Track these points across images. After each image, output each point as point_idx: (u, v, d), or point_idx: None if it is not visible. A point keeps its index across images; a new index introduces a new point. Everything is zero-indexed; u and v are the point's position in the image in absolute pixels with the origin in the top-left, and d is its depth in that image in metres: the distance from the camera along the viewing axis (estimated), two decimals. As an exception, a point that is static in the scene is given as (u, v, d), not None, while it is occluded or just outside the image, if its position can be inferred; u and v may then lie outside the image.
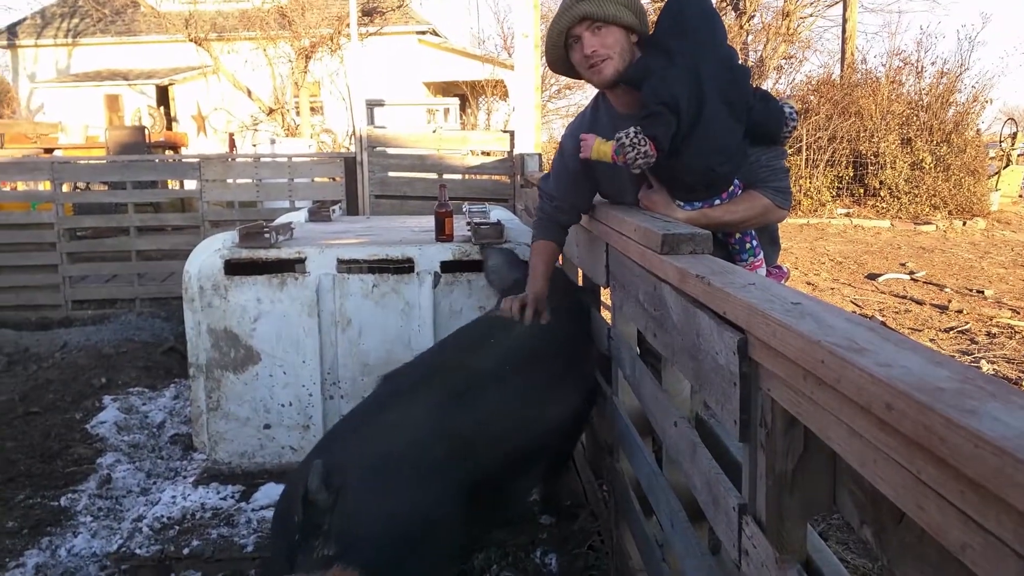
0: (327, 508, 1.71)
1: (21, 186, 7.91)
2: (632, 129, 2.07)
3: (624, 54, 2.17)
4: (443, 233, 3.48)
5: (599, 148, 2.13)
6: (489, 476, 2.11)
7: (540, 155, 5.54)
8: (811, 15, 18.04)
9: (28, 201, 7.61)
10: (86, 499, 3.19)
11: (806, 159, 13.03)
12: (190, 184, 6.98)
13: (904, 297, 6.99)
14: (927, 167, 12.59)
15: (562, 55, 2.27)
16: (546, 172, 2.67)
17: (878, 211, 12.65)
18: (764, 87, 14.65)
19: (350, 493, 1.77)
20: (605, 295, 3.03)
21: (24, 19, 19.14)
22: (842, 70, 15.34)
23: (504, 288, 2.95)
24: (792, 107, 2.15)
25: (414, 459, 1.96)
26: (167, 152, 11.66)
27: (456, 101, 14.14)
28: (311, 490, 1.71)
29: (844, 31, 16.42)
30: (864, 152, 13.02)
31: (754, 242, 2.23)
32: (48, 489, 3.29)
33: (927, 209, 12.46)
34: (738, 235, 2.21)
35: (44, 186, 6.66)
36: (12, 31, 18.77)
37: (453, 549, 2.08)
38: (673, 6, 2.13)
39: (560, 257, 2.68)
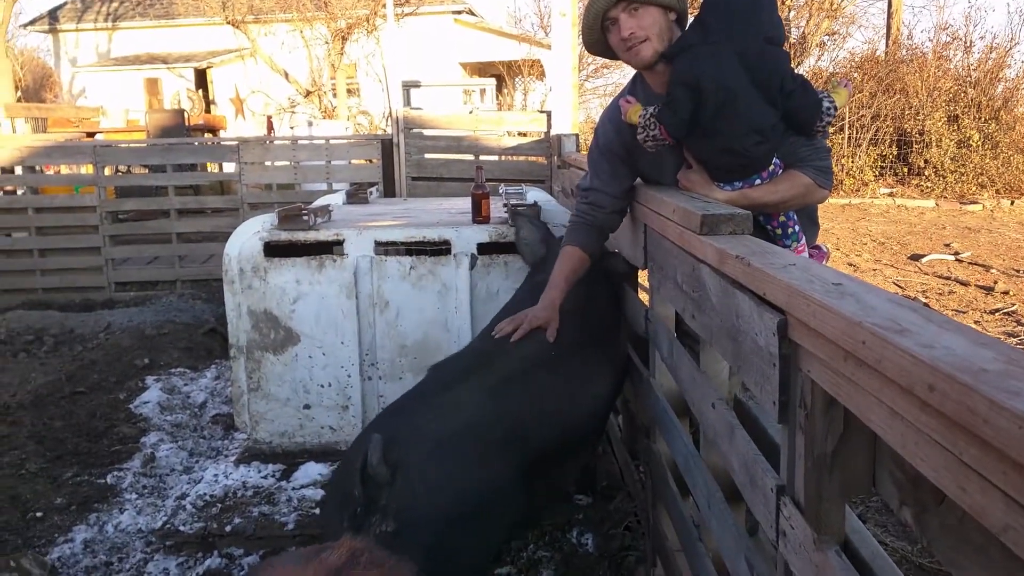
0: (385, 483, 1.71)
1: (65, 170, 8.09)
2: (651, 109, 2.07)
3: (663, 34, 2.14)
4: (480, 215, 3.48)
5: (632, 114, 2.13)
6: (542, 456, 2.12)
7: (577, 135, 5.51)
8: (855, -11, 17.61)
9: (71, 184, 7.79)
10: (131, 477, 3.28)
11: (848, 137, 12.79)
12: (229, 167, 7.07)
13: (948, 278, 6.85)
14: (974, 145, 12.27)
15: (599, 37, 2.24)
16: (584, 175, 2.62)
17: (922, 190, 12.39)
18: (806, 64, 14.39)
19: (410, 470, 1.77)
20: (643, 277, 3.02)
21: (64, 3, 19.47)
22: (887, 46, 14.99)
23: (534, 261, 2.98)
24: (832, 101, 2.08)
25: (473, 439, 1.97)
26: (206, 135, 11.81)
27: (492, 81, 14.10)
28: (371, 463, 1.71)
29: (890, 6, 16.01)
30: (909, 130, 12.74)
31: (796, 227, 2.19)
32: (95, 467, 3.38)
33: (974, 188, 12.17)
34: (781, 218, 2.18)
35: (87, 169, 6.80)
36: (53, 16, 19.11)
37: (507, 529, 2.11)
38: None
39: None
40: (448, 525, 1.82)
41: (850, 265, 7.49)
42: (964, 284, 6.61)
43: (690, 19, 2.21)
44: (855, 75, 13.41)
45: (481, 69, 19.03)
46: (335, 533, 1.80)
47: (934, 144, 12.41)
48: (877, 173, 12.84)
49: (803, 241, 2.20)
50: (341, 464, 2.07)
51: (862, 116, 12.71)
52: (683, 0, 2.19)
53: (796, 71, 2.12)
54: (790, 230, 2.17)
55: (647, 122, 2.09)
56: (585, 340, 2.46)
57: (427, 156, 6.54)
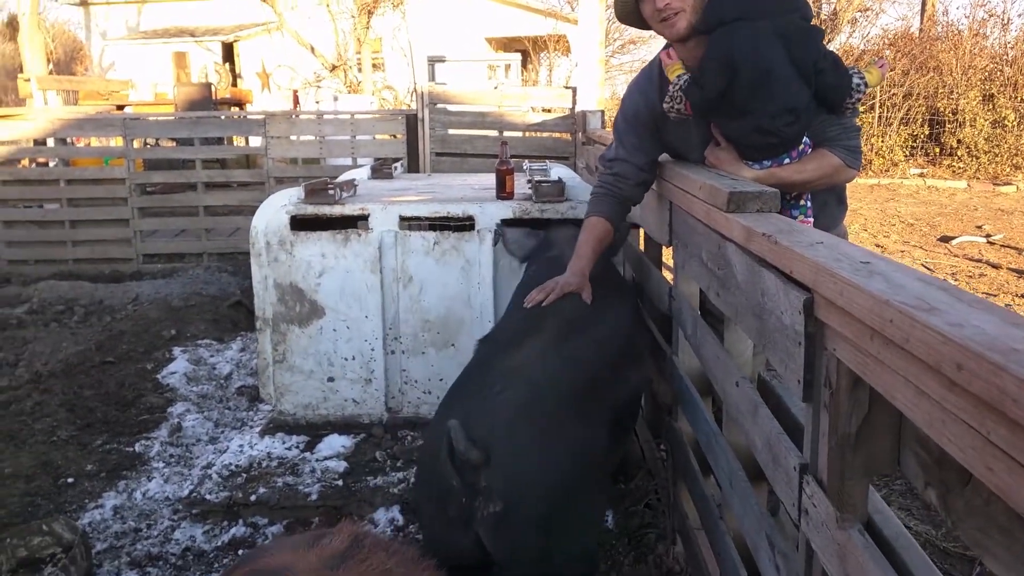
0: (481, 464, 1.67)
1: (95, 142, 8.17)
2: (682, 80, 2.05)
3: (697, 6, 2.10)
4: (504, 191, 3.48)
5: (671, 71, 2.11)
6: (613, 409, 2.07)
7: (603, 112, 5.47)
8: (889, -35, 17.27)
9: (101, 157, 7.87)
10: (158, 446, 3.34)
11: (879, 116, 12.58)
12: (255, 141, 7.10)
13: (979, 261, 6.74)
14: (1010, 125, 12.01)
15: (633, 7, 2.20)
16: (608, 146, 2.59)
17: (954, 171, 12.17)
18: (837, 41, 14.12)
19: (500, 443, 1.72)
20: (667, 255, 3.01)
21: (96, -23, 19.55)
22: (922, 23, 14.67)
23: (524, 255, 2.91)
24: (863, 78, 2.04)
25: (551, 397, 1.91)
26: (233, 109, 11.86)
27: (518, 57, 13.95)
28: (461, 450, 1.66)
29: (925, -19, 15.66)
30: (942, 109, 12.49)
31: (809, 202, 2.16)
32: (123, 435, 3.45)
33: (1008, 169, 11.93)
34: (802, 201, 2.15)
35: (116, 142, 6.85)
36: (85, -11, 19.20)
37: (607, 487, 2.05)
38: None
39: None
40: (554, 490, 1.78)
41: (878, 246, 7.40)
42: (995, 267, 6.50)
43: None
44: (887, 52, 13.15)
45: (507, 44, 18.90)
46: (442, 531, 1.78)
47: (968, 124, 12.17)
48: (908, 153, 12.63)
49: (811, 217, 2.16)
50: (421, 460, 2.01)
51: (893, 95, 12.48)
52: None
53: (827, 48, 2.09)
54: (802, 202, 2.14)
55: (675, 92, 2.08)
56: (615, 302, 2.44)
57: (451, 132, 6.52)
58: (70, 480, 3.08)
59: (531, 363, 1.98)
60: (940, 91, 12.51)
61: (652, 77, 2.34)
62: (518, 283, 2.72)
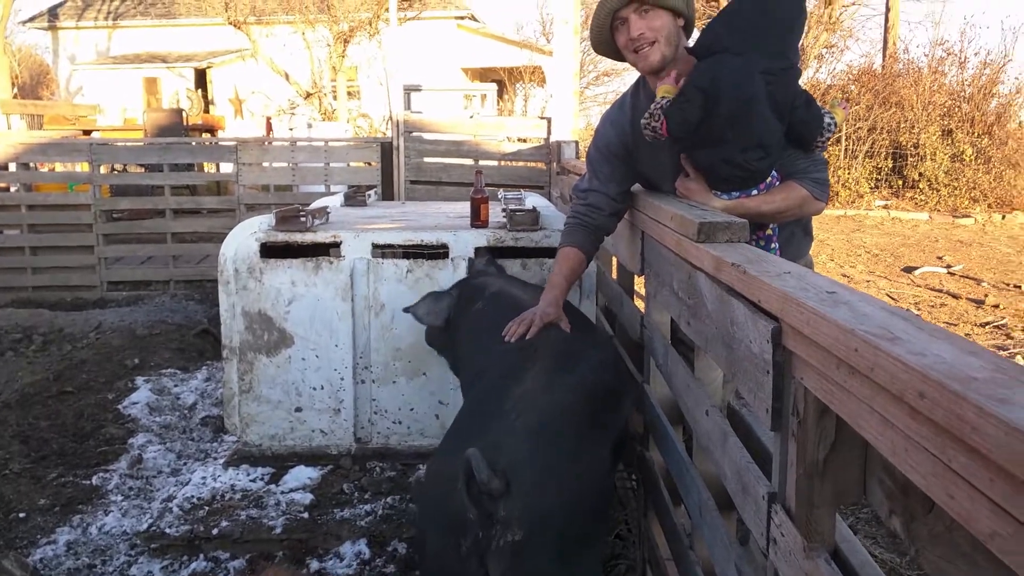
0: (501, 494, 1.66)
1: (59, 167, 8.08)
2: (663, 101, 2.07)
3: (671, 38, 2.14)
4: (478, 219, 3.48)
5: (661, 89, 2.10)
6: (616, 438, 2.08)
7: (577, 142, 5.52)
8: (854, 3, 17.72)
9: (66, 182, 7.78)
10: (117, 478, 3.24)
11: (845, 149, 12.84)
12: (226, 167, 7.07)
13: (940, 291, 6.88)
14: (967, 159, 12.34)
15: (607, 37, 2.23)
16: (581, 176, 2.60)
17: (916, 203, 12.44)
18: (804, 76, 14.45)
19: (520, 472, 1.71)
20: (639, 284, 3.03)
21: (65, 1, 19.46)
22: (884, 59, 15.07)
23: (444, 317, 2.86)
24: (833, 118, 2.10)
25: (563, 423, 1.91)
26: (204, 135, 11.80)
27: (493, 87, 14.13)
28: (483, 480, 1.64)
29: (887, 20, 16.13)
30: (904, 143, 12.80)
31: (775, 233, 2.19)
32: (80, 468, 3.34)
33: (966, 202, 12.22)
34: (768, 231, 2.18)
35: (82, 167, 6.78)
36: (53, 13, 19.11)
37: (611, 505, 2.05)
38: None
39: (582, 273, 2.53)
40: (571, 517, 1.78)
41: (844, 276, 7.51)
42: (956, 297, 6.63)
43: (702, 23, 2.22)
44: (852, 88, 13.47)
45: (482, 74, 19.08)
46: (453, 564, 1.74)
47: (928, 157, 12.48)
48: (872, 185, 12.90)
49: (776, 247, 2.19)
50: (427, 492, 1.96)
51: (858, 128, 12.77)
52: (692, 8, 2.19)
53: (802, 88, 2.14)
54: (772, 246, 2.17)
55: (655, 111, 2.08)
56: (592, 329, 2.47)
57: (426, 160, 6.55)
58: (22, 515, 2.96)
59: (537, 392, 1.98)
60: (902, 125, 12.83)
61: (624, 108, 2.37)
62: (466, 324, 2.70)
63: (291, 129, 13.04)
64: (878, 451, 0.95)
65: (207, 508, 2.96)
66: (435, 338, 3.03)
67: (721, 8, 2.20)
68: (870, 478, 1.10)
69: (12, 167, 6.89)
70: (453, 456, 1.78)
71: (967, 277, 7.46)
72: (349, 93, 17.47)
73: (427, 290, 3.30)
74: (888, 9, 16.16)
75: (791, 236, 2.27)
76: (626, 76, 21.47)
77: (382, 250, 3.39)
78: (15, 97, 17.94)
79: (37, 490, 3.16)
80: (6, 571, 2.34)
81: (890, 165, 12.92)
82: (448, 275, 3.32)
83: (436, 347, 3.09)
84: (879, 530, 2.78)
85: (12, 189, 7.15)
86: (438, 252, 3.38)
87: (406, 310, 3.00)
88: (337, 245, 3.36)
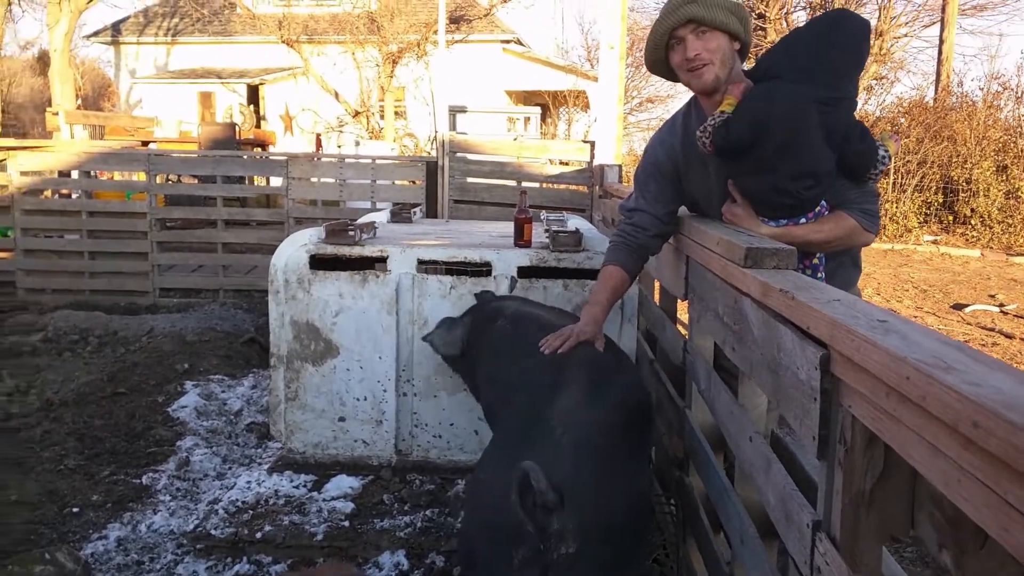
0: (556, 507, 1.69)
1: (118, 176, 8.32)
2: (719, 117, 2.08)
3: (726, 60, 2.15)
4: (522, 238, 3.52)
5: (724, 103, 2.11)
6: (648, 451, 2.13)
7: (620, 166, 5.54)
8: (906, 35, 17.55)
9: (124, 191, 8.00)
10: (166, 479, 3.33)
11: (893, 183, 12.66)
12: (276, 181, 7.21)
13: (992, 330, 6.72)
14: (1023, 196, 12.08)
15: (662, 56, 2.25)
16: (628, 196, 2.62)
17: (967, 240, 12.19)
18: (852, 107, 14.38)
19: (572, 486, 1.75)
20: (682, 308, 3.03)
21: (128, 17, 20.09)
22: (936, 92, 14.87)
23: (462, 346, 2.90)
24: (887, 151, 2.09)
25: (605, 436, 1.96)
26: (256, 149, 12.06)
27: (537, 110, 14.20)
28: (542, 491, 1.68)
29: (940, 53, 15.91)
30: (955, 178, 12.58)
31: (822, 263, 2.18)
32: (131, 467, 3.44)
33: (1022, 240, 11.95)
34: (815, 260, 2.17)
35: (139, 177, 6.98)
36: (116, 28, 19.71)
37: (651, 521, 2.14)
38: (830, 20, 2.11)
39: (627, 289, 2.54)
40: (621, 528, 1.84)
41: (890, 311, 7.39)
42: (1009, 336, 6.47)
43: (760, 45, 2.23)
44: (902, 120, 13.30)
45: (526, 97, 19.23)
46: (506, 574, 1.77)
47: (981, 193, 12.23)
48: (921, 220, 12.68)
49: (822, 276, 2.18)
50: (477, 504, 2.00)
51: (908, 162, 12.58)
52: (749, 32, 2.20)
53: (856, 119, 2.13)
54: (814, 261, 2.16)
55: (708, 126, 2.10)
56: (619, 349, 2.51)
57: (470, 180, 6.61)
58: (75, 510, 3.06)
59: (580, 409, 2.01)
60: (954, 160, 12.60)
61: (675, 128, 2.38)
62: (488, 344, 2.74)
63: (339, 146, 13.28)
64: (928, 482, 0.95)
65: (251, 512, 3.02)
66: (454, 362, 3.08)
67: (782, 36, 2.20)
68: (919, 510, 1.10)
69: (75, 174, 7.12)
70: (503, 468, 1.82)
71: (1021, 316, 7.28)
72: (396, 113, 17.73)
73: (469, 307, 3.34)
74: (942, 42, 15.95)
75: (839, 266, 2.25)
76: (670, 103, 21.49)
77: (427, 266, 3.44)
78: (79, 108, 18.51)
79: (90, 486, 3.25)
80: (59, 564, 2.40)
81: (940, 200, 12.69)
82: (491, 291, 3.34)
83: (454, 369, 3.16)
84: (924, 571, 2.72)
85: (74, 195, 7.38)
86: (481, 270, 3.42)
87: (425, 339, 3.07)
88: (384, 260, 3.41)
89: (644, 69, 2.85)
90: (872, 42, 15.66)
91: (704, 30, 2.14)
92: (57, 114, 11.04)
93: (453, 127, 8.60)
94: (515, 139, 7.83)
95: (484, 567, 1.87)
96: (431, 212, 6.49)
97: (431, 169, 6.61)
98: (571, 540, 1.71)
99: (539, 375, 2.25)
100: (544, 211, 5.07)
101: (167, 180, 7.83)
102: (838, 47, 2.03)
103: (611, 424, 2.00)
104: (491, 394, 2.64)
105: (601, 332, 2.36)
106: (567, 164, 6.91)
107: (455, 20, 17.04)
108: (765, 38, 16.43)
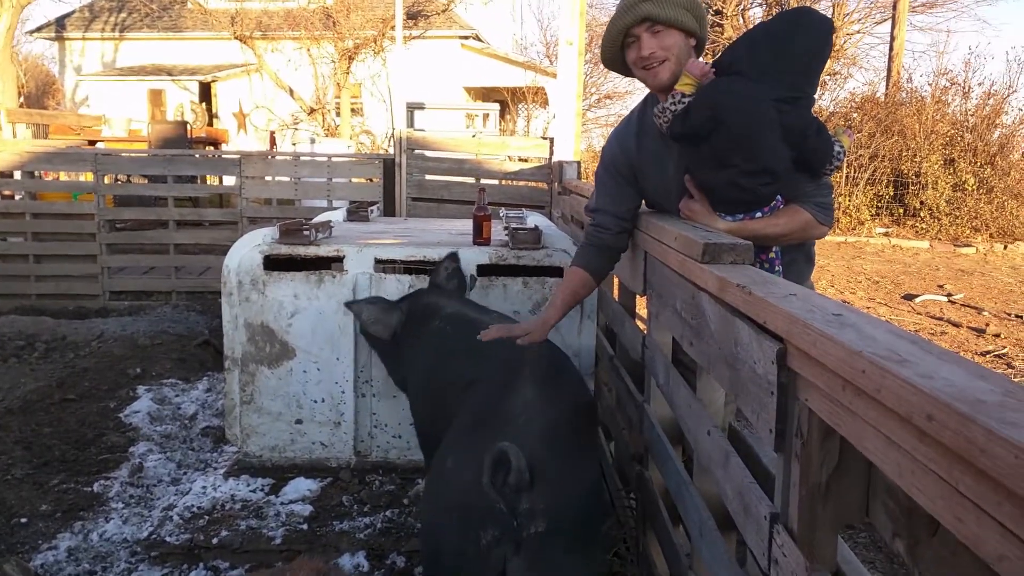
0: (525, 487, 1.74)
1: (64, 176, 8.11)
2: (678, 104, 2.08)
3: (681, 58, 2.15)
4: (481, 236, 3.50)
5: (681, 83, 2.10)
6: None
7: (579, 163, 5.55)
8: (859, 32, 17.88)
9: (70, 191, 7.80)
10: (118, 486, 3.25)
11: (846, 176, 12.90)
12: (229, 180, 7.09)
13: (941, 319, 6.89)
14: (969, 189, 12.39)
15: (618, 54, 2.25)
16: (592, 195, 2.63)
17: (917, 232, 12.48)
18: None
19: (539, 466, 1.81)
20: (640, 304, 3.04)
21: (73, 12, 19.57)
22: (887, 88, 15.16)
23: (391, 331, 2.91)
24: (842, 146, 2.11)
25: (566, 423, 2.05)
26: (208, 148, 11.85)
27: (496, 107, 14.18)
28: (521, 470, 1.73)
29: (891, 49, 16.21)
30: (905, 172, 12.86)
31: (778, 256, 2.20)
32: (82, 475, 3.36)
33: (968, 231, 12.26)
34: (771, 254, 2.19)
35: (86, 177, 6.81)
36: (60, 23, 19.20)
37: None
38: (792, 18, 2.10)
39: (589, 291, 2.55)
40: (586, 506, 1.92)
41: (844, 302, 7.51)
42: (956, 325, 6.64)
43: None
44: (855, 115, 13.55)
45: (485, 94, 19.19)
46: (473, 559, 1.80)
47: (930, 186, 12.53)
48: (873, 212, 12.94)
49: (779, 270, 2.20)
50: (439, 492, 2.02)
51: (860, 156, 12.82)
52: (705, 29, 2.21)
53: (814, 116, 2.14)
54: (776, 268, 2.18)
55: (670, 106, 2.10)
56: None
57: (428, 177, 6.57)
58: (23, 520, 2.98)
59: (537, 397, 2.08)
60: (904, 154, 12.88)
61: (631, 125, 2.38)
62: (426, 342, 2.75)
63: (294, 144, 13.10)
64: (883, 473, 0.96)
65: (207, 517, 2.96)
66: (374, 341, 3.07)
67: (745, 32, 2.21)
68: (873, 500, 1.11)
69: (17, 175, 6.92)
70: (467, 454, 1.88)
71: (968, 306, 7.47)
72: (353, 110, 17.56)
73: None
74: (893, 38, 16.26)
75: (792, 262, 2.27)
76: (629, 99, 21.63)
77: (384, 265, 3.40)
78: (21, 106, 18.01)
79: (39, 496, 3.16)
80: (7, 575, 2.33)
81: (891, 193, 12.97)
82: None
83: (371, 344, 3.17)
84: (877, 555, 2.77)
85: (17, 197, 7.17)
86: (440, 268, 3.39)
87: (347, 305, 3.06)
88: (340, 259, 3.37)
89: (603, 65, 2.86)
90: (825, 39, 15.92)
91: (659, 28, 2.14)
92: (-1, 113, 10.72)
93: (411, 124, 8.53)
94: (474, 136, 7.79)
95: (452, 554, 1.88)
96: (389, 210, 6.44)
97: (388, 167, 6.55)
98: (540, 519, 1.76)
99: (492, 372, 2.30)
100: (503, 208, 5.06)
101: (116, 180, 7.65)
102: (800, 45, 2.04)
103: (566, 413, 2.09)
104: (428, 390, 2.65)
105: (545, 336, 2.38)
106: (526, 161, 6.90)
107: (413, 16, 16.92)
108: (722, 34, 16.63)
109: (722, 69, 2.13)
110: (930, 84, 13.99)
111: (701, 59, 2.14)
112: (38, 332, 5.40)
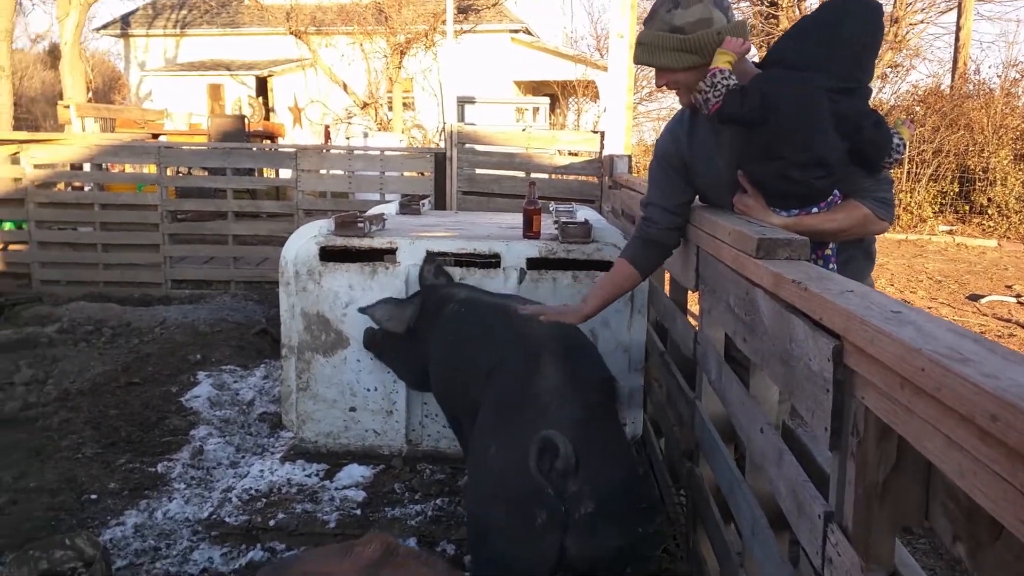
0: (571, 472, 1.81)
1: (129, 168, 8.35)
2: (729, 80, 2.04)
3: (691, 86, 2.16)
4: (531, 230, 3.51)
5: (721, 57, 2.07)
6: None
7: (630, 157, 5.51)
8: (922, 22, 17.36)
9: (135, 183, 8.03)
10: (180, 467, 3.36)
11: (908, 172, 12.56)
12: (285, 173, 7.22)
13: (1009, 321, 6.67)
14: (1041, 185, 11.96)
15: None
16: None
17: (984, 229, 12.09)
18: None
19: (583, 450, 1.87)
20: (692, 300, 3.02)
21: (136, 10, 20.12)
22: (953, 80, 14.72)
23: (407, 325, 2.99)
24: (902, 139, 2.06)
25: (597, 405, 2.13)
26: (265, 141, 12.07)
27: (546, 100, 14.16)
28: (567, 456, 1.79)
29: (957, 39, 15.73)
30: (972, 167, 12.47)
31: (833, 254, 2.16)
32: (146, 456, 3.48)
33: (1039, 229, 11.84)
34: (827, 251, 2.14)
35: (150, 169, 7.00)
36: (125, 21, 19.75)
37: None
38: (839, 6, 2.05)
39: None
40: (626, 482, 1.98)
41: (904, 302, 7.34)
42: (1024, 327, 6.43)
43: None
44: (917, 109, 13.19)
45: (535, 88, 19.16)
46: (525, 541, 1.87)
47: (999, 182, 12.12)
48: (937, 210, 12.58)
49: (834, 267, 2.16)
50: (488, 479, 2.06)
51: (923, 151, 12.48)
52: (706, 52, 2.11)
53: (871, 108, 2.10)
54: (826, 251, 2.14)
55: (717, 83, 2.04)
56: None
57: (479, 171, 6.60)
58: (93, 497, 3.10)
59: (565, 380, 2.14)
60: (971, 149, 12.49)
61: (684, 120, 2.36)
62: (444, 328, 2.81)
63: (348, 138, 13.28)
64: (943, 474, 0.94)
65: (264, 500, 3.05)
66: (390, 339, 3.12)
67: (793, 23, 2.18)
68: (933, 502, 1.09)
69: (87, 167, 7.15)
70: (512, 440, 1.94)
71: (1036, 307, 7.23)
72: (404, 104, 17.71)
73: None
74: (959, 28, 15.76)
75: (851, 259, 2.22)
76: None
77: (435, 258, 3.43)
78: (90, 101, 18.58)
79: (107, 474, 3.29)
80: (79, 549, 2.42)
81: (956, 189, 12.59)
82: (499, 283, 3.34)
83: (376, 352, 3.28)
84: (937, 562, 2.71)
85: (86, 188, 7.40)
86: (490, 261, 3.42)
87: (362, 310, 3.12)
88: (393, 251, 3.41)
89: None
90: (887, 28, 15.52)
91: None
92: (68, 107, 11.07)
93: (461, 118, 8.59)
94: (524, 130, 7.80)
95: (502, 538, 1.93)
96: (440, 204, 6.48)
97: (439, 160, 6.60)
98: (588, 500, 1.82)
99: (511, 356, 2.36)
100: (553, 202, 5.06)
101: (178, 172, 7.84)
102: (849, 32, 2.00)
103: (593, 392, 2.18)
104: (453, 375, 2.69)
105: (579, 322, 2.45)
106: (576, 155, 6.89)
107: (463, 10, 16.99)
108: (777, 26, 16.30)
109: (772, 64, 2.10)
110: (999, 76, 13.57)
111: (738, 39, 2.11)
112: (105, 318, 5.59)
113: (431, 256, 3.30)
